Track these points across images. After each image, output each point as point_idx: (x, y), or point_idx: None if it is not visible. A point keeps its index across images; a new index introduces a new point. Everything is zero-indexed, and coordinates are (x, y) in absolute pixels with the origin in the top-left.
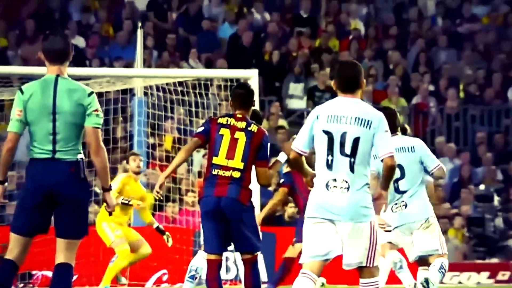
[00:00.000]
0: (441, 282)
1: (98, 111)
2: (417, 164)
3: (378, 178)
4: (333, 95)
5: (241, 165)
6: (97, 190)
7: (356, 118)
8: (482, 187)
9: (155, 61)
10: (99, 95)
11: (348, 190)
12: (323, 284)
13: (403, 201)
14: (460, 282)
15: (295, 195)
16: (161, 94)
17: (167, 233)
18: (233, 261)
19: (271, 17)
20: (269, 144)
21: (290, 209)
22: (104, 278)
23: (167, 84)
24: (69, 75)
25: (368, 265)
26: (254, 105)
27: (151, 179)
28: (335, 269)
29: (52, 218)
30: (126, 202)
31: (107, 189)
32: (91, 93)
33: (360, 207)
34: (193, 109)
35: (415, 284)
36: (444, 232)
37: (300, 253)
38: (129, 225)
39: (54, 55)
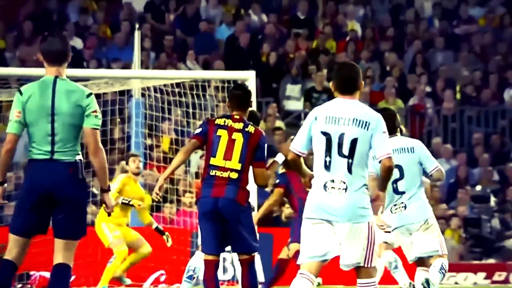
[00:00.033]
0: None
1: (96, 112)
2: (416, 165)
3: (377, 179)
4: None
5: (238, 166)
6: (95, 191)
7: (354, 119)
8: (478, 188)
9: (152, 62)
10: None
11: (346, 191)
12: (319, 284)
13: (402, 203)
14: (456, 283)
15: (290, 196)
16: (158, 95)
17: (166, 233)
18: (230, 262)
19: (268, 18)
20: (266, 145)
21: (287, 210)
22: (102, 279)
23: (164, 85)
24: (67, 76)
25: (365, 265)
26: (251, 106)
27: (148, 180)
28: (332, 269)
29: (51, 218)
30: (127, 202)
31: (105, 190)
32: (90, 94)
33: (357, 208)
34: (191, 110)
35: (411, 283)
36: (441, 232)
37: (295, 253)
38: (127, 225)
39: (52, 57)
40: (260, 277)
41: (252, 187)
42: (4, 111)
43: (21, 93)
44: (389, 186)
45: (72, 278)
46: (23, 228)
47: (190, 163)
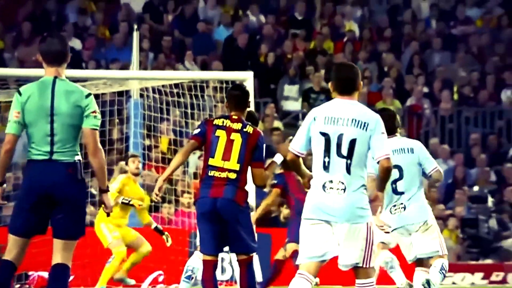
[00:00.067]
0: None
1: (95, 113)
2: (415, 165)
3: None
4: (328, 96)
5: (237, 167)
6: (93, 191)
7: (352, 120)
8: (476, 188)
9: (151, 63)
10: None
11: (344, 191)
12: (316, 284)
13: (402, 203)
14: (454, 283)
15: (287, 196)
16: (157, 96)
17: (166, 232)
18: (228, 262)
19: (266, 19)
20: (264, 145)
21: (286, 210)
22: (100, 279)
23: (163, 86)
24: (66, 77)
25: (364, 265)
26: (249, 106)
27: (147, 181)
28: (329, 269)
29: (50, 219)
30: (127, 202)
31: (105, 190)
32: (89, 94)
33: (356, 208)
34: (189, 110)
35: (408, 283)
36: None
37: (292, 253)
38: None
39: (52, 57)
40: (259, 277)
41: (250, 187)
42: (3, 112)
43: (20, 94)
44: (389, 187)
45: (71, 278)
46: (22, 229)
47: (188, 164)
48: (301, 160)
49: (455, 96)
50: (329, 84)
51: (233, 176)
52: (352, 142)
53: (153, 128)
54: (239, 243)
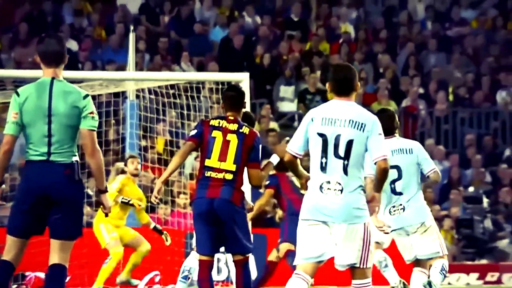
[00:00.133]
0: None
1: (93, 114)
2: (414, 166)
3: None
4: (324, 98)
5: (233, 167)
6: (90, 192)
7: (350, 120)
8: (471, 189)
9: (147, 64)
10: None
11: (341, 192)
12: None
13: (400, 204)
14: (449, 283)
15: (280, 197)
16: (153, 97)
17: (165, 232)
18: (224, 263)
19: (262, 20)
20: (261, 146)
21: (281, 211)
22: (97, 280)
23: (159, 87)
24: (62, 78)
25: (361, 266)
26: (245, 107)
27: (143, 181)
28: (325, 270)
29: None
30: (126, 201)
31: (103, 190)
32: (87, 95)
33: (353, 208)
34: (185, 111)
35: (401, 281)
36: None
37: (286, 253)
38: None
39: (49, 58)
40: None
41: (246, 187)
42: (0, 113)
43: (18, 95)
44: (387, 187)
45: (67, 278)
46: (20, 229)
47: (184, 165)
48: (298, 161)
49: (451, 97)
50: (327, 84)
51: (229, 176)
52: (349, 143)
53: (149, 129)
54: (235, 244)
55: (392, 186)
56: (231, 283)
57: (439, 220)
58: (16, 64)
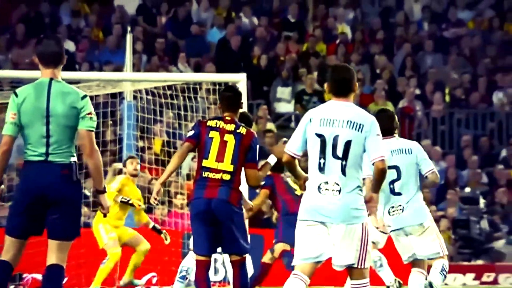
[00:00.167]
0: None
1: (91, 114)
2: (413, 166)
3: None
4: (321, 98)
5: (231, 168)
6: (87, 192)
7: (348, 121)
8: (467, 189)
9: (144, 65)
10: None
11: (339, 192)
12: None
13: (400, 205)
14: (446, 284)
15: (275, 197)
16: (150, 97)
17: (164, 231)
18: (221, 263)
19: (259, 21)
20: (258, 146)
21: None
22: (94, 280)
23: (156, 88)
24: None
25: (359, 266)
26: (242, 107)
27: (140, 182)
28: (322, 270)
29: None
30: (126, 201)
31: (101, 191)
32: (85, 96)
33: (351, 209)
34: (182, 112)
35: (396, 280)
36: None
37: (281, 253)
38: None
39: (48, 59)
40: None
41: (243, 187)
42: None
43: (16, 95)
44: (386, 187)
45: (65, 279)
46: (18, 230)
47: (181, 165)
48: (296, 161)
49: (447, 98)
50: (325, 85)
51: (227, 177)
52: (347, 144)
53: (147, 130)
54: (232, 244)
55: (391, 186)
56: (228, 283)
57: (435, 220)
58: (13, 65)
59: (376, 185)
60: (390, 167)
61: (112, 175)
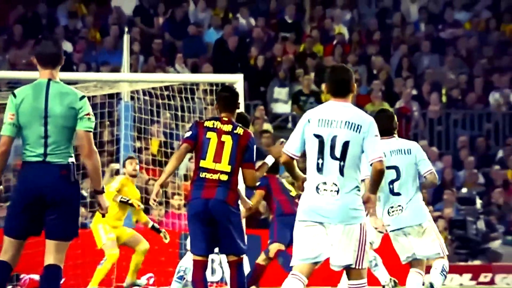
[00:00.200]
0: (423, 284)
1: (90, 115)
2: (412, 166)
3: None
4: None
5: (228, 168)
6: (84, 193)
7: (346, 122)
8: (464, 190)
9: (141, 65)
10: None
11: (337, 193)
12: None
13: (399, 205)
14: (442, 284)
15: (270, 198)
16: (147, 98)
17: (163, 230)
18: (218, 263)
19: (256, 22)
20: (255, 146)
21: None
22: (92, 281)
23: (153, 88)
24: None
25: (357, 266)
26: (238, 108)
27: (137, 182)
28: (319, 270)
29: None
30: (125, 200)
31: (99, 191)
32: (83, 97)
33: (350, 209)
34: (179, 113)
35: (391, 279)
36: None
37: (276, 253)
38: None
39: (46, 59)
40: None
41: (241, 188)
42: None
43: (15, 96)
44: (386, 187)
45: (62, 280)
46: (17, 230)
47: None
48: (295, 162)
49: (444, 99)
50: (323, 86)
51: (224, 177)
52: (345, 144)
53: (144, 130)
54: (229, 244)
55: (391, 186)
56: (225, 284)
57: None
58: (10, 66)
59: (374, 185)
60: (389, 167)
61: (109, 176)
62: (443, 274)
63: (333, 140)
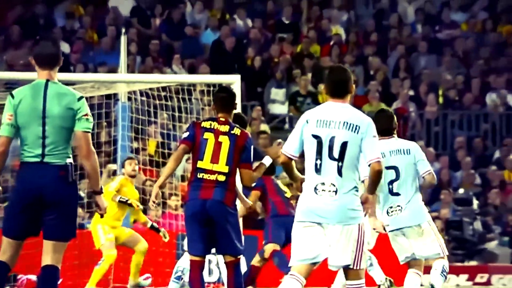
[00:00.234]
0: (421, 284)
1: (88, 116)
2: (412, 166)
3: None
4: (315, 100)
5: (226, 169)
6: (82, 194)
7: (344, 122)
8: (461, 190)
9: (138, 66)
10: None
11: (336, 193)
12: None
13: (398, 205)
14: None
15: (265, 199)
16: (144, 99)
17: (162, 229)
18: (215, 264)
19: (253, 23)
20: (252, 147)
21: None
22: (89, 281)
23: (150, 89)
24: None
25: (355, 267)
26: (236, 108)
27: (135, 183)
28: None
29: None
30: (124, 200)
31: (98, 192)
32: (81, 97)
33: (348, 210)
34: (176, 114)
35: (387, 279)
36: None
37: (272, 253)
38: None
39: (44, 60)
40: None
41: (238, 187)
42: None
43: (13, 96)
44: (385, 187)
45: (59, 281)
46: (15, 231)
47: None
48: (293, 163)
49: (441, 100)
50: (321, 86)
51: (222, 178)
52: (344, 145)
53: (141, 131)
54: (226, 245)
55: (390, 186)
56: (223, 284)
57: None
58: (8, 66)
59: (372, 186)
60: (389, 168)
61: (107, 177)
62: (444, 274)
63: (331, 140)
